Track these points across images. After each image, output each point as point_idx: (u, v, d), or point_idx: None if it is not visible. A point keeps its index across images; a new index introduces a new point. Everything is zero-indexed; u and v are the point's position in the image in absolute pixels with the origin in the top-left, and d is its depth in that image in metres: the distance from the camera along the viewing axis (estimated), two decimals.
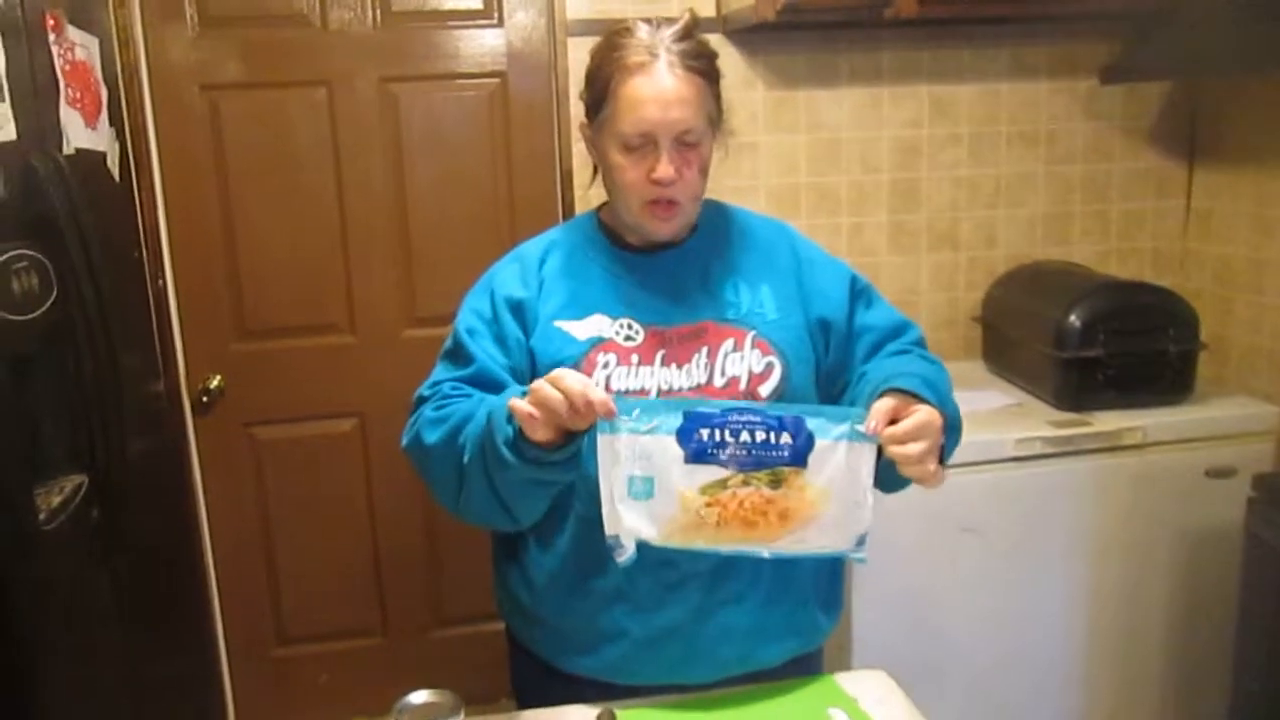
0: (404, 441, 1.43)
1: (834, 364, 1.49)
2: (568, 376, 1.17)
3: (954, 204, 2.81)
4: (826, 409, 1.22)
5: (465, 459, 1.30)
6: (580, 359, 1.39)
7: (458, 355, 1.46)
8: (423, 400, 1.44)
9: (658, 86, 1.34)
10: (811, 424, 1.19)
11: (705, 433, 1.18)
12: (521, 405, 1.17)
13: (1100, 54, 2.76)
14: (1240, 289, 2.64)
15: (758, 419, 1.18)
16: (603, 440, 1.18)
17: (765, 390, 1.40)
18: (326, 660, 2.89)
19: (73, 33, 1.93)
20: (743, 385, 1.40)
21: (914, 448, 1.19)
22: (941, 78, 2.73)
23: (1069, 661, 2.37)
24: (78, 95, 1.93)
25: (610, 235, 1.50)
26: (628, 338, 1.41)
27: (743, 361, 1.41)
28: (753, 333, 1.43)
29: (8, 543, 1.50)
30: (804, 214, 2.72)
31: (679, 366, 1.40)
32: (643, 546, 1.23)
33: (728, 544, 1.22)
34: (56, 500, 1.66)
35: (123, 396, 1.86)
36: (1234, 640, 2.15)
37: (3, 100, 1.58)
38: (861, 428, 1.19)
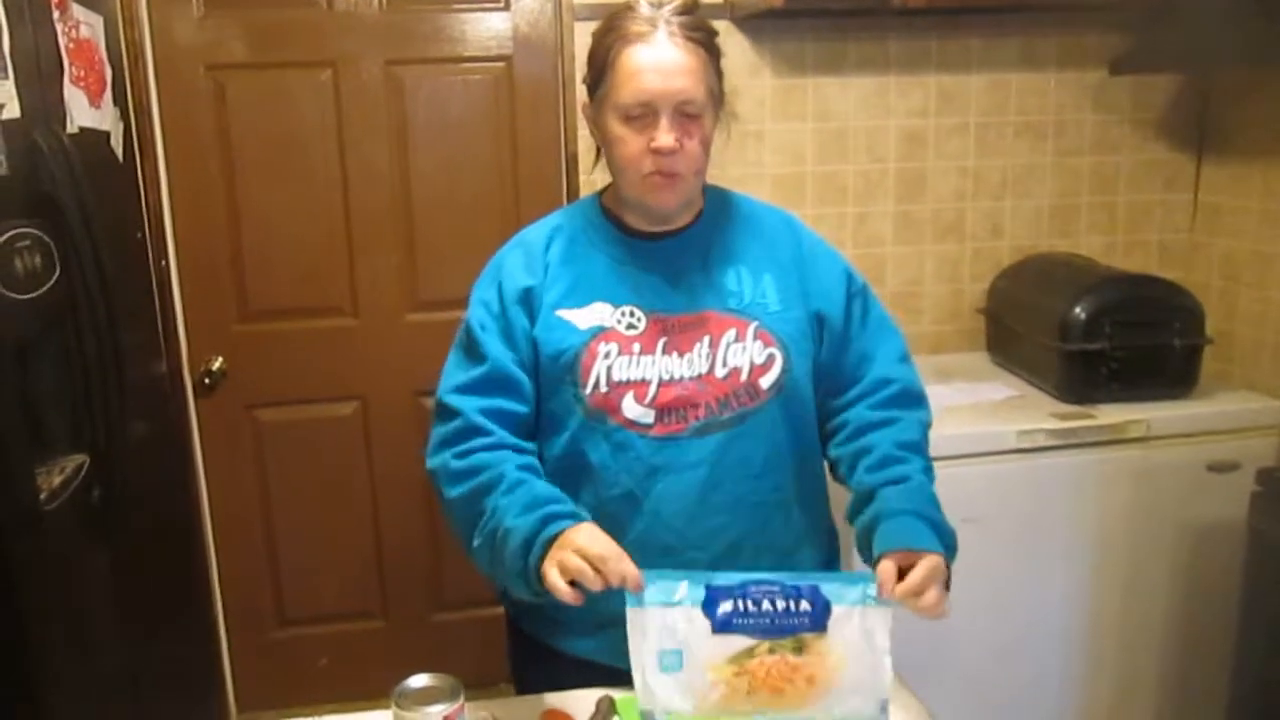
0: (428, 465, 1.44)
1: (826, 361, 1.49)
2: (597, 546, 1.21)
3: (960, 194, 2.80)
4: (839, 575, 1.29)
5: (477, 541, 1.34)
6: (582, 349, 1.39)
7: (471, 351, 1.45)
8: (444, 409, 1.43)
9: (658, 55, 1.34)
10: (827, 590, 1.24)
11: (729, 604, 1.22)
12: (558, 584, 1.19)
13: (1109, 45, 2.74)
14: (1246, 283, 2.63)
15: (776, 588, 1.23)
16: (631, 615, 1.22)
17: (766, 381, 1.40)
18: (326, 643, 2.89)
19: (77, 11, 1.93)
20: (744, 376, 1.40)
21: (926, 599, 1.24)
22: (949, 67, 2.71)
23: (1069, 655, 2.36)
24: (82, 74, 1.92)
25: (613, 220, 1.49)
26: (630, 325, 1.41)
27: (744, 352, 1.41)
28: (755, 323, 1.42)
29: (9, 522, 1.51)
30: (810, 203, 2.71)
31: (680, 355, 1.40)
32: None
33: (760, 713, 1.24)
34: (57, 480, 1.66)
35: (124, 377, 1.86)
36: (1235, 635, 2.15)
37: (6, 78, 1.58)
38: (873, 593, 1.24)
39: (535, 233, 1.52)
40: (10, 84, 1.59)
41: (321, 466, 2.77)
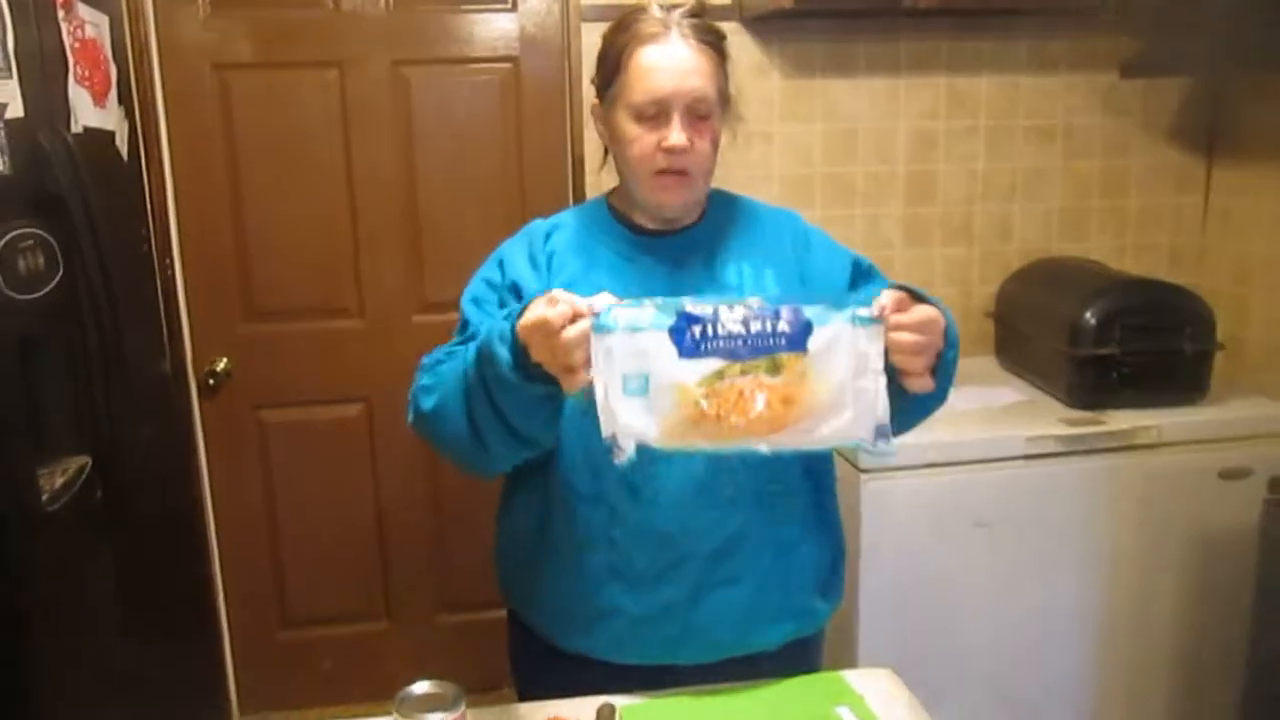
0: (409, 419, 1.43)
1: None
2: (557, 290, 1.16)
3: (969, 197, 2.78)
4: (826, 297, 1.17)
5: (466, 400, 1.29)
6: None
7: (460, 326, 1.47)
8: (422, 368, 1.44)
9: (672, 55, 1.36)
10: (810, 312, 1.14)
11: (698, 329, 1.14)
12: (526, 319, 1.15)
13: (1120, 48, 2.72)
14: (1258, 287, 2.61)
15: (753, 312, 1.14)
16: (595, 341, 1.13)
17: None
18: (330, 644, 2.88)
19: (82, 10, 1.92)
20: None
21: (917, 338, 1.16)
22: (960, 69, 2.70)
23: (1078, 662, 2.35)
24: (87, 73, 1.91)
25: (619, 218, 1.51)
26: None
27: None
28: None
29: (11, 523, 1.50)
30: (818, 205, 2.69)
31: None
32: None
33: (730, 439, 1.16)
34: (60, 481, 1.65)
35: (128, 377, 1.85)
36: (1248, 644, 2.13)
37: (10, 77, 1.57)
38: (865, 313, 1.14)
39: (538, 223, 1.54)
40: (14, 83, 1.58)
41: (326, 468, 2.76)
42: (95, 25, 2.00)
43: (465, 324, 1.46)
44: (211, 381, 2.62)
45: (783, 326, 1.13)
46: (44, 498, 1.58)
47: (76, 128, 1.84)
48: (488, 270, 1.51)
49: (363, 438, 2.76)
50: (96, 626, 1.87)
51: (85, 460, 1.74)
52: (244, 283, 2.62)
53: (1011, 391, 2.50)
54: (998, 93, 2.73)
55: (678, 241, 1.48)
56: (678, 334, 1.13)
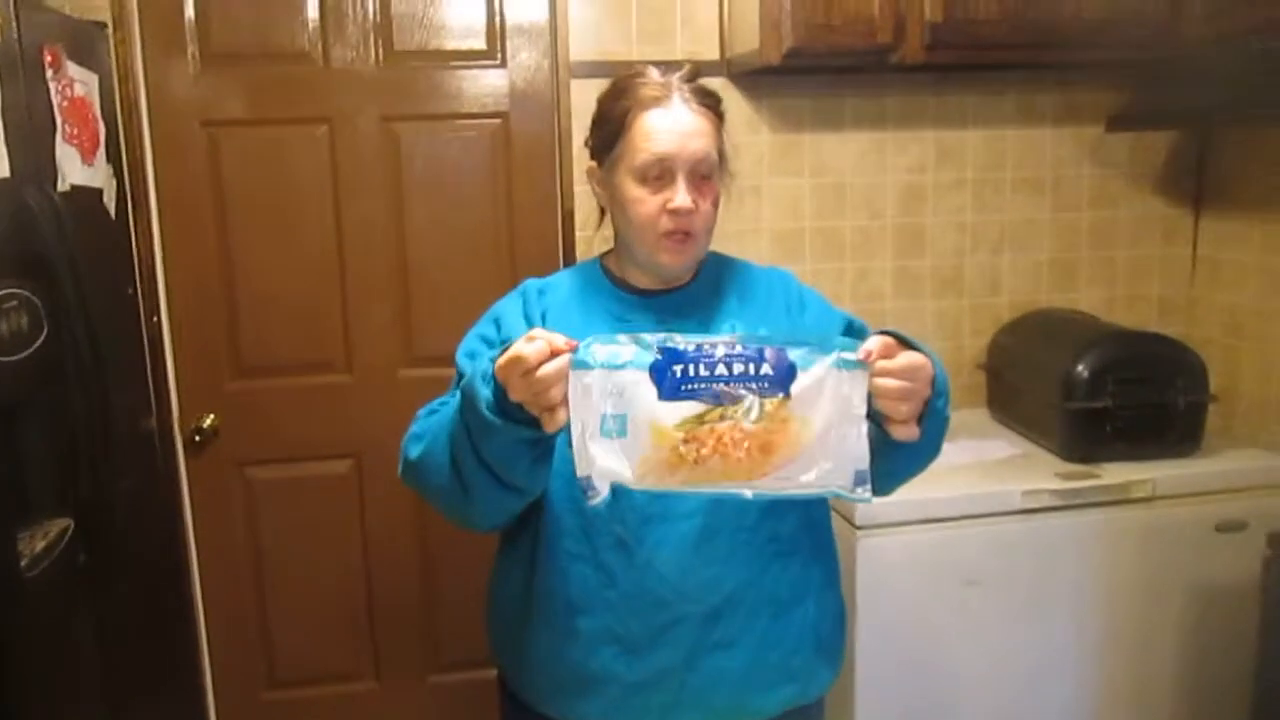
0: (399, 470, 1.42)
1: None
2: (536, 329, 1.16)
3: (958, 250, 2.79)
4: (811, 339, 1.15)
5: (451, 447, 1.28)
6: None
7: (455, 381, 1.45)
8: (415, 421, 1.43)
9: (675, 118, 1.37)
10: (794, 354, 1.12)
11: (679, 369, 1.12)
12: (501, 358, 1.14)
13: (1106, 101, 2.75)
14: (1249, 338, 2.61)
15: (736, 353, 1.12)
16: (574, 378, 1.11)
17: None
18: (318, 705, 2.82)
19: (72, 69, 1.92)
20: None
21: (902, 384, 1.14)
22: (947, 123, 2.71)
23: (1077, 717, 2.31)
24: (75, 131, 1.91)
25: (613, 280, 1.51)
26: None
27: None
28: None
29: None
30: (808, 258, 2.69)
31: None
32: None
33: (707, 484, 1.13)
34: (40, 545, 1.62)
35: (112, 436, 1.83)
36: (1251, 701, 2.10)
37: None
38: (851, 356, 1.12)
39: (532, 283, 1.54)
40: (0, 143, 1.57)
41: (314, 525, 2.72)
42: (84, 84, 2.00)
43: (460, 379, 1.44)
44: (198, 438, 2.59)
45: (766, 369, 1.12)
46: (23, 563, 1.55)
47: (64, 186, 1.83)
48: (483, 327, 1.50)
49: (351, 494, 2.73)
50: (79, 690, 1.84)
51: (67, 523, 1.72)
52: (232, 339, 2.60)
53: (1004, 445, 2.49)
54: (985, 146, 2.74)
55: (672, 300, 1.48)
56: (658, 373, 1.12)
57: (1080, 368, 2.31)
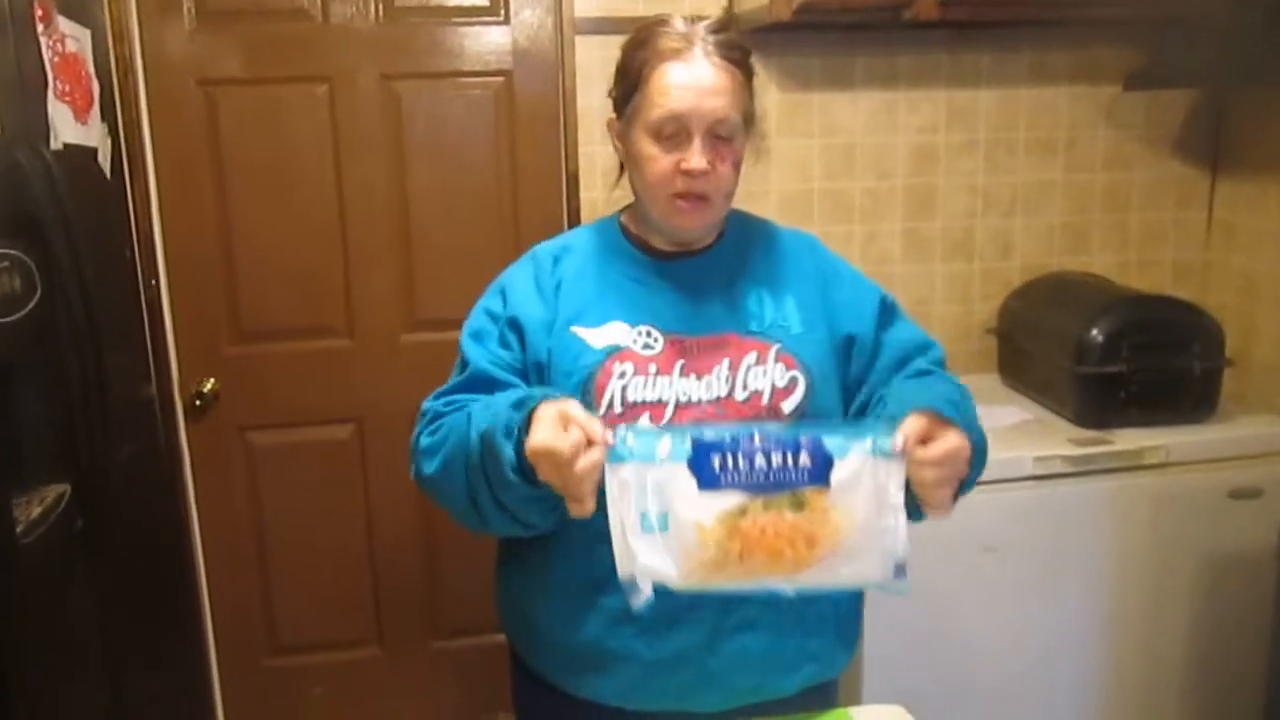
0: (411, 472, 1.40)
1: (855, 378, 1.44)
2: (571, 407, 1.13)
3: (969, 212, 2.74)
4: (845, 427, 1.15)
5: (469, 482, 1.26)
6: (596, 368, 1.34)
7: (460, 365, 1.42)
8: (422, 417, 1.40)
9: (694, 73, 1.30)
10: (830, 443, 1.12)
11: (718, 459, 1.11)
12: (535, 442, 1.12)
13: (1123, 60, 2.69)
14: (1264, 303, 2.57)
15: (772, 442, 1.11)
16: (610, 472, 1.11)
17: (789, 405, 1.34)
18: (320, 672, 2.81)
19: (63, 24, 1.87)
20: (765, 399, 1.34)
21: (940, 473, 1.13)
22: (959, 82, 2.66)
23: (1088, 687, 2.30)
24: (67, 88, 1.86)
25: (632, 239, 1.46)
26: (646, 346, 1.36)
27: (765, 375, 1.35)
28: (777, 346, 1.37)
29: None
30: (817, 221, 2.65)
31: (699, 378, 1.34)
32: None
33: (753, 579, 1.13)
34: (36, 511, 1.59)
35: (110, 401, 1.79)
36: (1266, 669, 2.08)
37: None
38: (887, 445, 1.12)
39: (545, 247, 1.49)
40: None
41: (316, 491, 2.70)
42: (76, 39, 1.95)
43: (465, 363, 1.40)
44: (198, 403, 2.56)
45: (804, 460, 1.11)
46: (19, 529, 1.53)
47: (56, 145, 1.79)
48: (489, 300, 1.45)
49: (353, 459, 2.70)
50: (79, 658, 1.82)
51: (64, 488, 1.69)
52: (231, 302, 2.56)
53: (1016, 410, 2.45)
54: (998, 106, 2.69)
55: (695, 264, 1.43)
56: (697, 464, 1.11)
57: (1094, 332, 2.27)
